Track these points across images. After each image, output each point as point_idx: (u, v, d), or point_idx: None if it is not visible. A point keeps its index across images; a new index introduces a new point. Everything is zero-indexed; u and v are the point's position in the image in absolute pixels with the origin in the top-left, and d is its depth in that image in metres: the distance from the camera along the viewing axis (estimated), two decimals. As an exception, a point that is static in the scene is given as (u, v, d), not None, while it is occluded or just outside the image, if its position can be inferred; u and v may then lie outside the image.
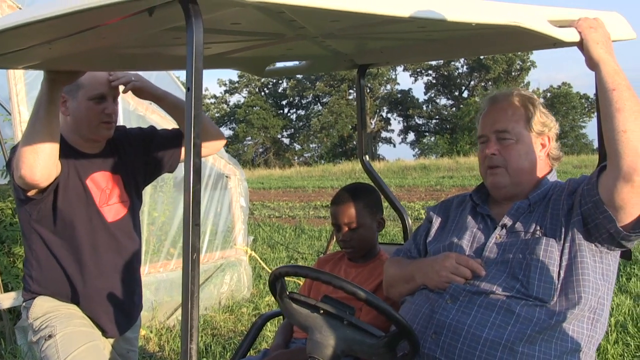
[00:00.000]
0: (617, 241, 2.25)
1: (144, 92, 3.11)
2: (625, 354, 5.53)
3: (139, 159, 3.22)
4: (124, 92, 3.05)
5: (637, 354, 5.56)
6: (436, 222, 2.70)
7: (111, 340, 3.16)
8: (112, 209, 3.10)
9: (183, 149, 3.25)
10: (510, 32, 2.17)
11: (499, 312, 2.25)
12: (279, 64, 3.35)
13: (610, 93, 2.12)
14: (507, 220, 2.44)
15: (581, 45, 2.23)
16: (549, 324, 2.22)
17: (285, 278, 2.30)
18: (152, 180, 3.39)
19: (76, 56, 2.28)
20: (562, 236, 2.30)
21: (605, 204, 2.18)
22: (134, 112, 6.51)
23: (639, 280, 8.03)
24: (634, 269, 8.63)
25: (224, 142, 3.42)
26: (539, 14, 2.16)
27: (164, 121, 5.97)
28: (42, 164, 2.71)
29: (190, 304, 1.41)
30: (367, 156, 3.46)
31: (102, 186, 3.07)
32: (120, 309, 3.11)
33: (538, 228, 2.36)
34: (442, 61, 61.95)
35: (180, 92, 7.22)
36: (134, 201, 3.21)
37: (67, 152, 2.96)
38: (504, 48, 2.96)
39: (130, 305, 3.20)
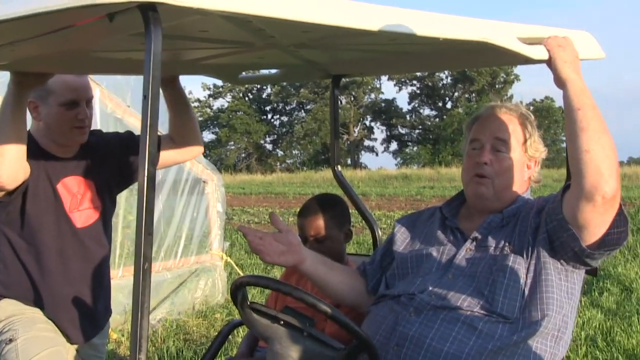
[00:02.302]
0: (582, 260, 2.25)
1: None
2: (594, 368, 5.57)
3: (114, 164, 3.17)
4: None
5: (606, 369, 5.61)
6: (400, 231, 2.70)
7: (76, 346, 3.12)
8: (83, 215, 3.06)
9: (160, 155, 3.22)
10: (481, 48, 2.18)
11: (461, 327, 2.25)
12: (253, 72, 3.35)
13: (576, 112, 2.12)
14: (477, 234, 2.44)
15: (550, 63, 2.24)
16: (511, 341, 2.22)
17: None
18: (127, 186, 3.34)
19: (43, 58, 2.27)
20: (529, 254, 2.31)
21: (569, 222, 2.18)
22: (111, 114, 6.46)
23: (611, 295, 8.08)
24: (606, 283, 8.69)
25: (201, 150, 3.41)
26: (508, 31, 2.18)
27: (141, 124, 5.93)
28: (8, 166, 2.67)
29: (140, 315, 1.39)
30: (339, 166, 3.45)
31: (74, 191, 3.03)
32: (86, 316, 3.07)
33: (507, 244, 2.37)
34: (425, 72, 62.26)
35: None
36: (106, 206, 3.16)
37: (39, 155, 2.92)
38: (476, 63, 2.98)
39: (97, 312, 3.15)
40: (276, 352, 2.12)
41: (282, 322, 2.16)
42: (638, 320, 6.86)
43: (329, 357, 2.14)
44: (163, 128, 3.31)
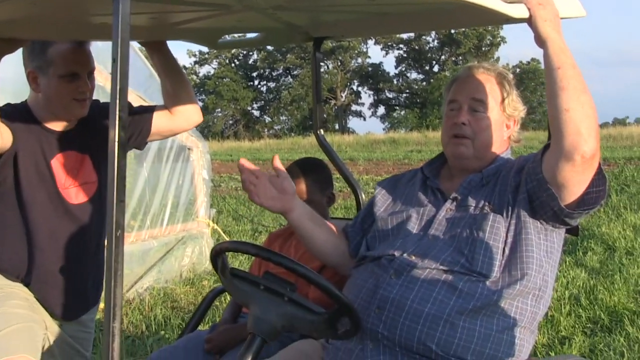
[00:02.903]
0: (561, 219, 2.26)
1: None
2: (577, 325, 5.66)
3: None
4: None
5: (588, 325, 5.71)
6: (381, 193, 2.70)
7: (58, 322, 3.04)
8: (79, 191, 2.98)
9: (151, 126, 3.16)
10: (461, 7, 2.16)
11: (441, 287, 2.25)
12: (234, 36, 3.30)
13: (555, 71, 2.11)
14: (457, 194, 2.45)
15: (530, 21, 2.22)
16: (491, 300, 2.23)
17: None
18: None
19: (13, 24, 2.21)
20: (509, 213, 2.31)
21: (549, 182, 2.19)
22: (93, 82, 6.38)
23: (595, 254, 8.18)
24: (590, 243, 8.79)
25: (199, 117, 3.26)
26: (487, -11, 2.14)
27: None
28: None
29: (114, 283, 1.38)
30: (322, 130, 3.42)
31: (70, 167, 2.95)
32: (75, 294, 3.01)
33: (487, 204, 2.37)
34: (413, 35, 62.03)
35: (142, 65, 7.13)
36: (103, 181, 3.06)
37: (35, 129, 2.85)
38: (456, 23, 2.95)
39: (87, 290, 3.09)
40: (257, 317, 2.11)
41: (262, 287, 2.15)
42: (620, 278, 6.96)
43: (310, 322, 2.13)
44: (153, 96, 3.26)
